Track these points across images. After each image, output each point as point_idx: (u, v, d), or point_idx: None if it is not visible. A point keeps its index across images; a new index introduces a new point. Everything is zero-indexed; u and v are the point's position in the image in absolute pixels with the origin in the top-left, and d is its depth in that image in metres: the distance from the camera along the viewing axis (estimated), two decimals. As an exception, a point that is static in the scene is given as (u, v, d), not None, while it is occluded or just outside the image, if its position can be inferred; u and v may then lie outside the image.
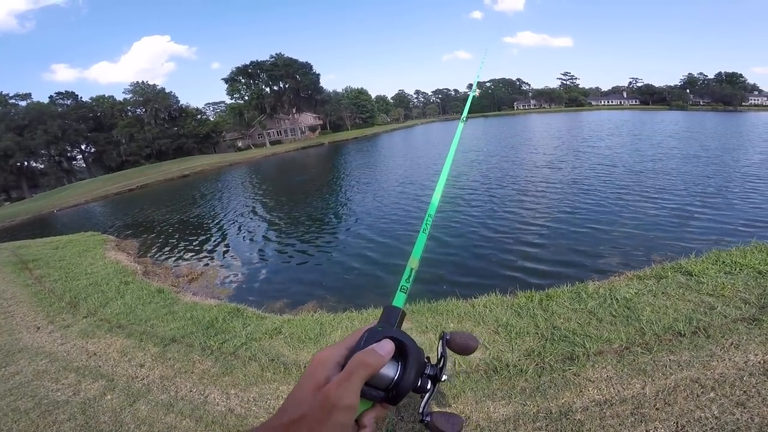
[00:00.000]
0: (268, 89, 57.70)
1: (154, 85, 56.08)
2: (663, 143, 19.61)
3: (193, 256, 9.25)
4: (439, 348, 0.53)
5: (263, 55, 61.99)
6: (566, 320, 3.16)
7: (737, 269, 3.51)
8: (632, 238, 6.92)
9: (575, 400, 2.34)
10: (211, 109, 71.67)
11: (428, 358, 0.50)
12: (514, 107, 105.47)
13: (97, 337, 4.17)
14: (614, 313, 3.15)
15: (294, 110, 60.77)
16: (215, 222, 12.77)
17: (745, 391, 2.14)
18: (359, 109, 73.12)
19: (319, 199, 14.56)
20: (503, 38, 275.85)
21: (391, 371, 0.47)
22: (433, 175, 15.76)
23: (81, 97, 53.47)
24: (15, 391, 3.26)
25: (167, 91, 56.39)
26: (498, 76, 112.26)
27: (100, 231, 12.22)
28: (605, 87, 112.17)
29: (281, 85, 57.71)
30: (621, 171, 13.03)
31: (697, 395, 2.19)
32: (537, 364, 2.69)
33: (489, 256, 6.73)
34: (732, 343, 2.53)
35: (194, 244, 10.35)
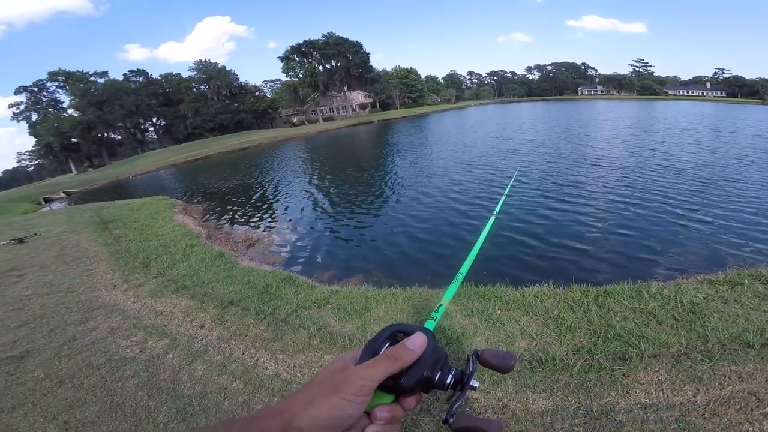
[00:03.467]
0: (320, 67, 58.52)
1: (216, 63, 59.02)
2: (754, 143, 17.19)
3: (250, 222, 9.76)
4: (470, 361, 0.52)
5: (316, 34, 62.45)
6: (623, 319, 2.99)
7: (830, 282, 3.10)
8: (706, 238, 6.27)
9: (620, 400, 2.26)
10: (268, 86, 74.06)
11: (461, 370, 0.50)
12: (578, 92, 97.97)
13: (164, 297, 4.42)
14: (677, 316, 2.94)
15: (345, 88, 61.22)
16: (270, 192, 13.43)
17: (809, 413, 1.94)
18: (408, 89, 71.94)
19: (368, 175, 14.69)
20: (566, 21, 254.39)
21: None
22: (472, 160, 15.20)
23: (151, 75, 57.61)
24: (91, 347, 3.48)
25: (228, 69, 59.32)
26: (560, 60, 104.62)
27: (169, 196, 13.29)
28: (685, 77, 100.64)
29: (333, 64, 58.24)
30: (701, 164, 11.71)
31: (751, 408, 2.04)
32: (585, 361, 2.60)
33: (543, 246, 6.41)
34: (810, 362, 2.27)
35: (252, 211, 10.89)
